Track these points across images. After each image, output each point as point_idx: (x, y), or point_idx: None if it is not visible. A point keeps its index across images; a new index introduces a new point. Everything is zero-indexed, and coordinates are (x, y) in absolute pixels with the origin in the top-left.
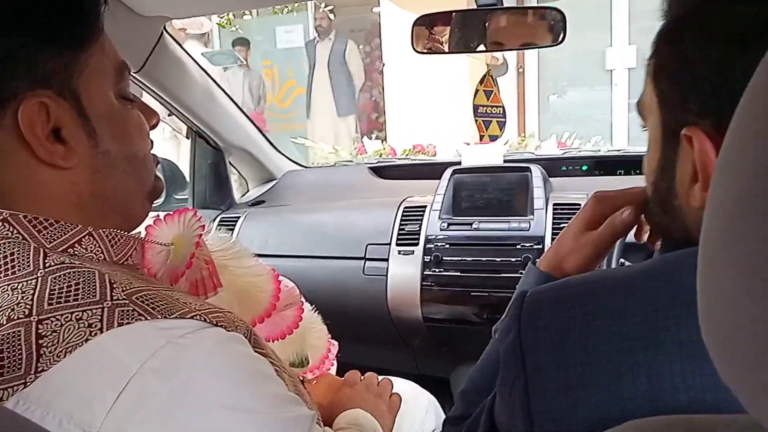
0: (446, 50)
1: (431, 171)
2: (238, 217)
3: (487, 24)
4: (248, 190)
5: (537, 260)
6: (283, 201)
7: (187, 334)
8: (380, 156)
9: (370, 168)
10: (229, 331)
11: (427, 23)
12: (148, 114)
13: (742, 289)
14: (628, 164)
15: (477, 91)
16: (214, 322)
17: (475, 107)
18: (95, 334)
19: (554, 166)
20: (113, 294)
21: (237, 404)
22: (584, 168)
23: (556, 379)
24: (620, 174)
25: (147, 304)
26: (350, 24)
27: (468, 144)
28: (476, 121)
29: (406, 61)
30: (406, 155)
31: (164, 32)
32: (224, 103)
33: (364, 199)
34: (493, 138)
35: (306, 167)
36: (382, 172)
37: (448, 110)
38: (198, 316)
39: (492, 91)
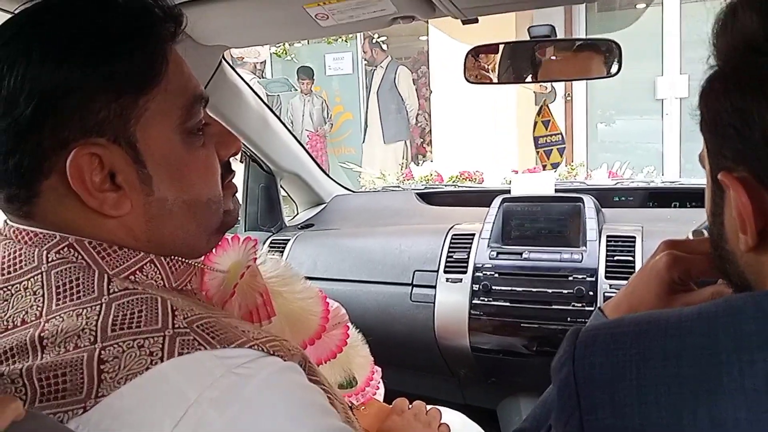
0: (494, 80)
1: (479, 198)
2: (288, 240)
3: (537, 55)
4: (297, 213)
5: (601, 306)
6: (332, 225)
7: (244, 363)
8: (427, 182)
9: (417, 194)
10: (285, 360)
11: (478, 53)
12: (227, 141)
13: None
14: (682, 196)
15: (536, 123)
16: (271, 352)
17: (536, 139)
18: (156, 363)
19: (606, 197)
20: (174, 322)
21: None
22: (636, 199)
23: (611, 417)
24: (675, 206)
25: (207, 333)
26: (397, 52)
27: (516, 172)
28: (538, 152)
29: (452, 88)
30: (453, 182)
31: (223, 60)
32: (277, 128)
33: (411, 225)
34: (555, 166)
35: (354, 192)
36: (429, 198)
37: (494, 137)
38: (255, 346)
39: (549, 120)
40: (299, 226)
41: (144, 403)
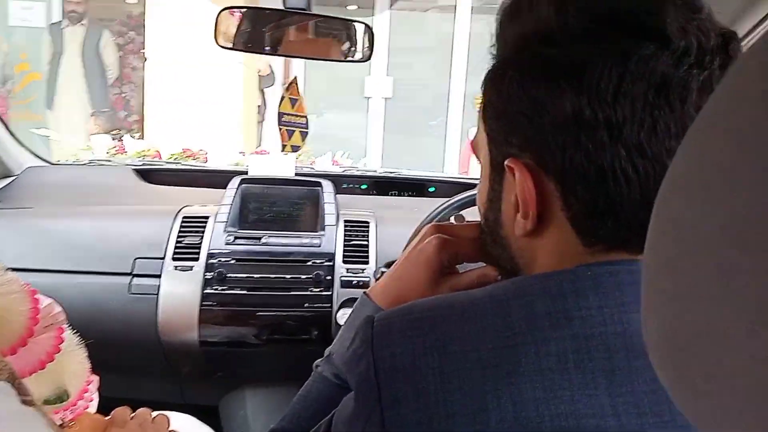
0: (237, 47)
1: (208, 179)
2: None
3: (286, 26)
4: None
5: (366, 291)
6: (24, 203)
7: None
8: (143, 158)
9: (136, 170)
10: None
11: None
12: None
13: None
14: (401, 186)
15: (282, 98)
16: None
17: (280, 114)
18: None
19: (337, 183)
20: None
21: None
22: (363, 187)
23: (416, 410)
24: (394, 194)
25: None
26: (99, 12)
27: (244, 153)
28: (280, 129)
29: (171, 59)
30: (175, 159)
31: None
32: None
33: (129, 205)
34: (296, 148)
35: (53, 164)
36: (150, 175)
37: (217, 117)
38: None
39: (297, 99)
40: None
41: None
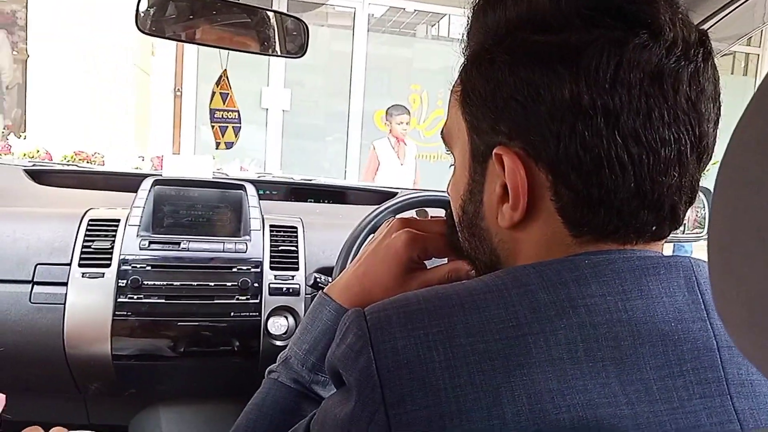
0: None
1: (110, 181)
2: None
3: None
4: None
5: (324, 291)
6: None
7: None
8: (31, 159)
9: (26, 171)
10: None
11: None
12: None
13: None
14: (318, 194)
15: (213, 94)
16: None
17: (212, 111)
18: None
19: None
20: None
21: None
22: (279, 193)
23: (425, 407)
24: (311, 201)
25: None
26: None
27: (144, 158)
28: (212, 126)
29: (55, 55)
30: (67, 162)
31: None
32: None
33: (24, 207)
34: (230, 145)
35: None
36: (42, 177)
37: (110, 119)
38: None
39: (228, 93)
40: None
41: None
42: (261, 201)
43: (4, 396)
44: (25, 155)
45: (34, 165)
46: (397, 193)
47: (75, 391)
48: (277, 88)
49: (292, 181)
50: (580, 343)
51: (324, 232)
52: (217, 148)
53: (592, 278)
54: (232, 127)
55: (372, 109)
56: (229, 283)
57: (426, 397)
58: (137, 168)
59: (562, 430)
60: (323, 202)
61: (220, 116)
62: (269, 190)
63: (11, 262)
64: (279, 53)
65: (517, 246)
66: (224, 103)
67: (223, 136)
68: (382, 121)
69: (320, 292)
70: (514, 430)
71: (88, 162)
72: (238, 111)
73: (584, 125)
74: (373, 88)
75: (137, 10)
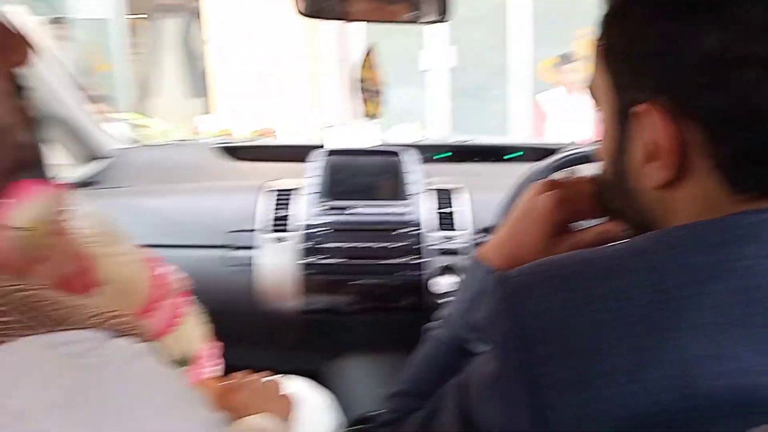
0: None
1: (287, 153)
2: (79, 201)
3: None
4: (69, 170)
5: (477, 252)
6: (117, 182)
7: (86, 351)
8: (219, 137)
9: (216, 148)
10: (133, 340)
11: None
12: (9, 44)
13: None
14: (483, 153)
15: (361, 66)
16: (116, 331)
17: (359, 81)
18: None
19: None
20: None
21: None
22: (442, 155)
23: (567, 369)
24: (477, 161)
25: (26, 310)
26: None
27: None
28: (360, 96)
29: (231, 39)
30: (250, 139)
31: None
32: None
33: (211, 181)
34: (375, 116)
35: (139, 145)
36: (231, 153)
37: (283, 93)
38: (95, 325)
39: (374, 65)
40: (78, 184)
41: None
42: (424, 165)
43: (219, 344)
44: (213, 134)
45: (221, 143)
46: (559, 149)
47: (269, 341)
48: (438, 47)
49: (452, 143)
50: (736, 307)
51: (485, 192)
52: (364, 117)
53: (750, 238)
54: (378, 98)
55: (537, 59)
56: (392, 245)
57: (569, 359)
58: (315, 139)
59: (717, 397)
60: (487, 161)
61: (366, 87)
62: (431, 153)
63: (209, 231)
64: (424, 20)
65: (670, 206)
66: (371, 75)
67: (369, 107)
68: (548, 72)
69: (472, 254)
70: (660, 395)
71: (267, 136)
72: (383, 83)
73: (738, 75)
74: (539, 37)
75: None
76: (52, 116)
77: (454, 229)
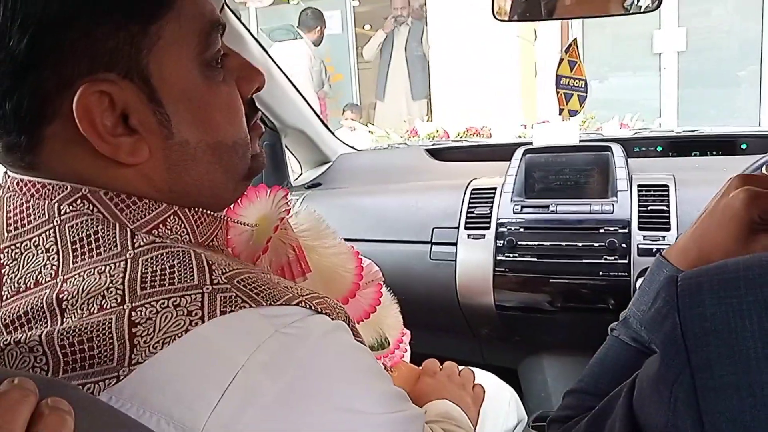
0: (514, 18)
1: (493, 153)
2: (295, 200)
3: None
4: (301, 173)
5: (662, 253)
6: (340, 184)
7: (293, 323)
8: (432, 139)
9: (427, 150)
10: (333, 318)
11: None
12: (250, 75)
13: None
14: (703, 145)
15: (561, 60)
16: (319, 309)
17: (558, 78)
18: (196, 324)
19: (627, 147)
20: (213, 277)
21: (350, 406)
22: (658, 149)
23: (731, 374)
24: (695, 155)
25: (249, 289)
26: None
27: (525, 127)
28: (557, 92)
29: (451, 42)
30: (461, 138)
31: (224, 5)
32: (281, 81)
33: (423, 181)
34: (573, 113)
35: (359, 150)
36: (439, 154)
37: (496, 93)
38: (303, 303)
39: (576, 62)
40: (306, 186)
41: (185, 370)
42: (635, 159)
43: (410, 332)
44: (428, 136)
45: (433, 145)
46: None
47: (469, 333)
48: (670, 28)
49: (668, 135)
50: None
51: (700, 189)
52: (560, 115)
53: None
54: (578, 95)
55: None
56: (596, 244)
57: (735, 364)
58: (520, 136)
59: None
60: (710, 154)
61: (566, 83)
62: (645, 146)
63: (416, 227)
64: (635, 11)
65: None
66: (571, 71)
67: (567, 104)
68: None
69: (658, 254)
70: None
71: (477, 136)
72: (585, 80)
73: None
74: None
75: (492, 1)
76: (290, 127)
77: (665, 229)
